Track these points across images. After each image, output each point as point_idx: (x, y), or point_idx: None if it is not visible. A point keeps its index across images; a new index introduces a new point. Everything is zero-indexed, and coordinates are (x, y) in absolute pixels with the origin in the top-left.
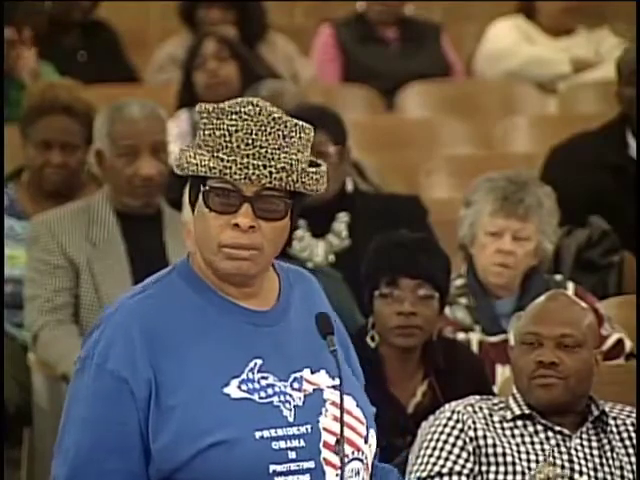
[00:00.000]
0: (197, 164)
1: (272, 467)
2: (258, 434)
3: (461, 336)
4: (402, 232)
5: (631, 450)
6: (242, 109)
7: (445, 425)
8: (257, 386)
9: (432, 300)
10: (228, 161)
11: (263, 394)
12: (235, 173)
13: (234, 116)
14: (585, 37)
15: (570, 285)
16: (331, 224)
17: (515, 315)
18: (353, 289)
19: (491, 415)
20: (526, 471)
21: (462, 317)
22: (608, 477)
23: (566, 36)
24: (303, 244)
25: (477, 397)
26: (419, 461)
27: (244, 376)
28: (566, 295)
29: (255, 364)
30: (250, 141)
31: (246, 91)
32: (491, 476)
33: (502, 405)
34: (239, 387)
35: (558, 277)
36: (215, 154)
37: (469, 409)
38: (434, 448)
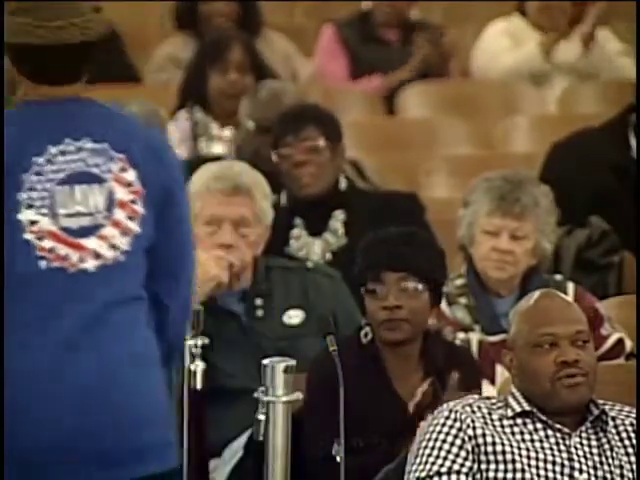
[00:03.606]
0: None
1: None
2: None
3: (461, 336)
4: (390, 228)
5: (630, 450)
6: None
7: (443, 424)
8: None
9: (418, 293)
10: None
11: None
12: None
13: None
14: (579, 35)
15: (570, 285)
16: (327, 222)
17: (510, 315)
18: (351, 288)
19: (490, 414)
20: (526, 468)
21: (462, 317)
22: (608, 476)
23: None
24: (300, 243)
25: (475, 396)
26: (418, 461)
27: None
28: (557, 293)
29: None
30: None
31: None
32: (491, 474)
33: (501, 404)
34: None
35: (558, 277)
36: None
37: (467, 408)
38: (433, 447)
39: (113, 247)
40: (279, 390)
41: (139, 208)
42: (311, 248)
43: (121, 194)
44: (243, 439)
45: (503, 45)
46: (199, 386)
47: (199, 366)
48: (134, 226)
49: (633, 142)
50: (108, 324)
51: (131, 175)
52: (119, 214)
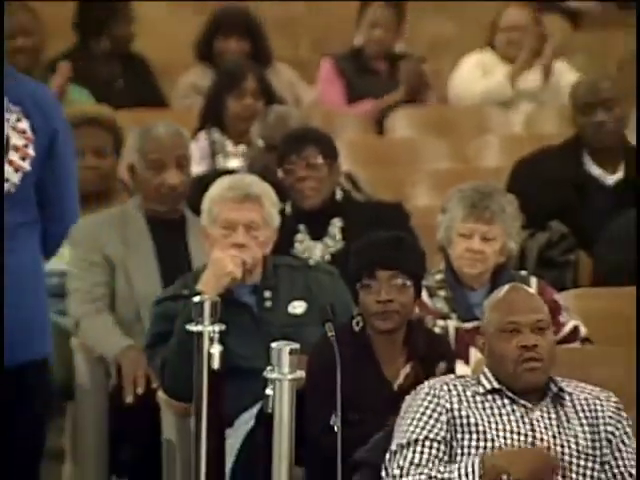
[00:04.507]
0: None
1: None
2: None
3: (440, 323)
4: (378, 233)
5: (584, 421)
6: None
7: (423, 399)
8: None
9: (406, 288)
10: None
11: None
12: None
13: None
14: (539, 67)
15: (533, 279)
16: (327, 229)
17: (484, 305)
18: (347, 284)
19: (465, 390)
20: (495, 438)
21: (441, 307)
22: (565, 444)
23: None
24: (303, 246)
25: (452, 376)
26: (400, 429)
27: None
28: (522, 287)
29: None
30: None
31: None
32: (465, 442)
33: (473, 382)
34: None
35: (523, 273)
36: None
37: (445, 387)
38: (413, 419)
39: (7, 181)
40: (285, 369)
41: (30, 151)
42: (313, 251)
43: (15, 139)
44: (254, 411)
45: (476, 75)
46: (217, 366)
47: (217, 349)
48: (25, 165)
49: (586, 159)
50: (6, 247)
51: (24, 124)
52: (13, 155)
